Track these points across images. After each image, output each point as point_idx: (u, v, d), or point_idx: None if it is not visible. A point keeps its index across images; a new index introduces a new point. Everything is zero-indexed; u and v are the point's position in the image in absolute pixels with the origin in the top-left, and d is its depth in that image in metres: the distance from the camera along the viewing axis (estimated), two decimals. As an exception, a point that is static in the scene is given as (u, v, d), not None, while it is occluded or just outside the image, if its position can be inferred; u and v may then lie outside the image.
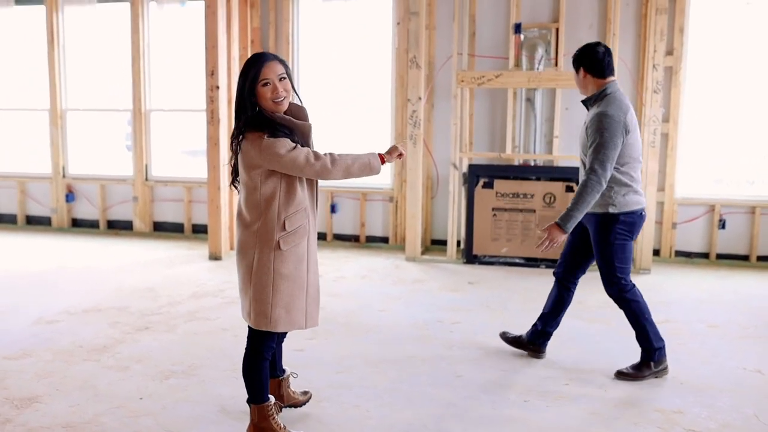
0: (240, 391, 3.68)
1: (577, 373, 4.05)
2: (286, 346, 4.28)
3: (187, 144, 8.43)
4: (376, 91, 7.58)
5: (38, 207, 8.59)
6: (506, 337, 4.43)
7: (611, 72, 3.89)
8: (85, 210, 8.47)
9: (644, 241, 6.46)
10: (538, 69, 6.71)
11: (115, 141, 8.71)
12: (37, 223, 8.60)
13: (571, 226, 3.82)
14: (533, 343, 4.29)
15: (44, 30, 8.21)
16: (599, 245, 3.94)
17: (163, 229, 8.22)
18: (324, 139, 7.71)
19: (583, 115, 6.92)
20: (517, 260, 6.69)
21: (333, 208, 7.62)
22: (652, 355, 3.99)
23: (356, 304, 5.42)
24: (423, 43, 6.77)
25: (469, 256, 6.76)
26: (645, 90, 6.51)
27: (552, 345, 4.38)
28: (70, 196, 8.41)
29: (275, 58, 3.01)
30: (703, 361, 4.27)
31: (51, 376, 3.91)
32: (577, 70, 3.95)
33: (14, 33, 8.50)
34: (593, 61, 3.86)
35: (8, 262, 6.80)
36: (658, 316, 5.14)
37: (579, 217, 3.81)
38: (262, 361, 3.14)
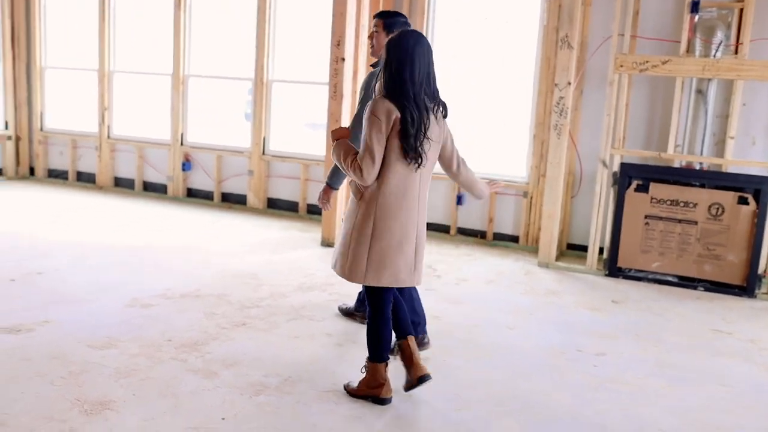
0: (339, 425, 3.07)
1: None
2: (396, 367, 3.65)
3: (308, 118, 7.94)
4: (517, 73, 6.76)
5: (155, 174, 8.37)
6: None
7: None
8: (200, 180, 8.16)
9: None
10: (714, 56, 5.68)
11: (234, 110, 8.34)
12: (153, 190, 8.39)
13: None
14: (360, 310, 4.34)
15: (173, -9, 7.92)
16: None
17: (276, 206, 7.79)
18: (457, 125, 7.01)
19: (763, 111, 5.89)
20: (670, 278, 5.74)
21: (459, 200, 6.90)
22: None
23: (480, 317, 4.70)
24: (577, 21, 5.89)
25: (613, 268, 5.87)
26: None
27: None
28: (186, 165, 8.13)
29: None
30: None
31: (131, 375, 3.44)
32: (390, 33, 3.71)
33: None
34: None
35: (118, 232, 6.54)
36: None
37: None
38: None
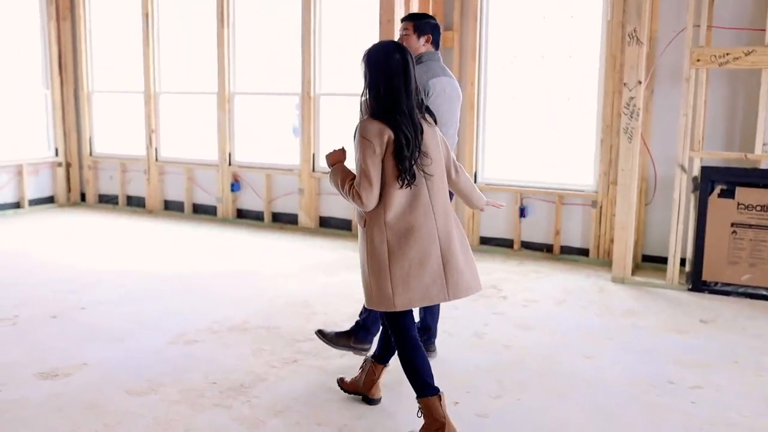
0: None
1: None
2: (466, 408, 3.24)
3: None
4: (580, 74, 6.28)
5: (204, 195, 8.15)
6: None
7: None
8: (250, 201, 7.90)
9: None
10: (803, 43, 5.11)
11: (281, 127, 8.05)
12: (202, 212, 8.17)
13: None
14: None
15: (214, 10, 7.69)
16: None
17: (329, 225, 7.45)
18: (511, 135, 6.57)
19: None
20: (763, 292, 5.17)
21: (522, 212, 6.44)
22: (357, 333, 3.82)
23: (552, 343, 4.25)
24: (646, 13, 5.39)
25: (696, 282, 5.33)
26: None
27: None
28: (235, 185, 7.88)
29: None
30: None
31: (171, 426, 3.12)
32: (422, 35, 3.79)
33: (185, 13, 8.08)
34: (438, 32, 3.86)
35: (166, 258, 6.30)
36: None
37: None
38: None
